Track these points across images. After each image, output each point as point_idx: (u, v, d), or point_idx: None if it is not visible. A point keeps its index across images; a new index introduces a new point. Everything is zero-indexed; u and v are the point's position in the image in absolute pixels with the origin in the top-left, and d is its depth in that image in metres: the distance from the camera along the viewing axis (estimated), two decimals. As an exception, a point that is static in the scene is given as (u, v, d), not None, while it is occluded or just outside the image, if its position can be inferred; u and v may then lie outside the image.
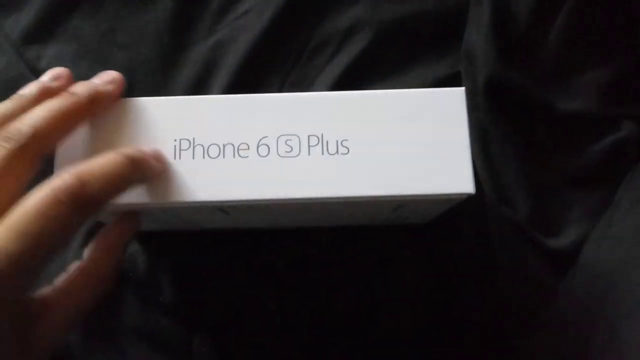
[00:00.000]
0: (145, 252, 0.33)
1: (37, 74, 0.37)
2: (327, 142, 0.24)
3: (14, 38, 0.38)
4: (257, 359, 0.32)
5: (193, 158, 0.24)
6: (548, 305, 0.32)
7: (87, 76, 0.36)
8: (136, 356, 0.31)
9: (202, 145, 0.24)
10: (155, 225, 0.31)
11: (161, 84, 0.36)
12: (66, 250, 0.33)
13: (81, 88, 0.24)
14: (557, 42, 0.34)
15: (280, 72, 0.37)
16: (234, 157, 0.24)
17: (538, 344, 0.32)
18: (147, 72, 0.37)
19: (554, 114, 0.34)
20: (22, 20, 0.38)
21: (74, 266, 0.25)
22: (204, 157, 0.24)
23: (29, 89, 0.24)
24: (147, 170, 0.23)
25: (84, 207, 0.21)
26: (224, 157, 0.24)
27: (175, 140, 0.24)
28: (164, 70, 0.37)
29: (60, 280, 0.24)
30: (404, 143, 0.24)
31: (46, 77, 0.25)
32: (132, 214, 0.26)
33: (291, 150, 0.24)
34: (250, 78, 0.36)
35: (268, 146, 0.24)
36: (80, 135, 0.25)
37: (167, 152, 0.24)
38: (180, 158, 0.24)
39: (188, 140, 0.24)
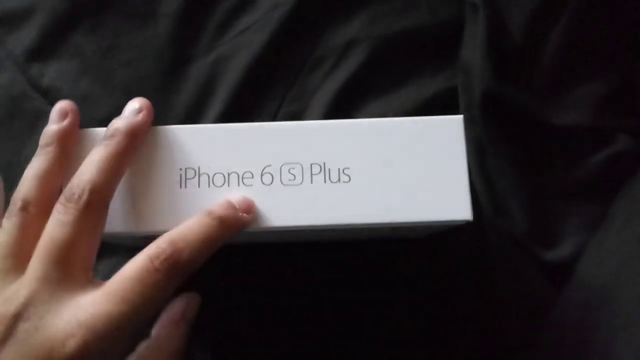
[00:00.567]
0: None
1: (39, 91, 0.37)
2: (329, 170, 0.25)
3: (17, 55, 0.38)
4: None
5: (199, 187, 0.25)
6: (546, 317, 0.32)
7: (89, 93, 0.37)
8: None
9: (207, 174, 0.25)
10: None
11: (162, 100, 0.37)
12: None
13: (120, 128, 0.25)
14: (552, 56, 0.35)
15: (279, 88, 0.37)
16: (238, 185, 0.25)
17: (536, 356, 0.32)
18: (148, 88, 0.37)
19: (549, 128, 0.35)
20: (24, 37, 0.38)
21: (142, 345, 0.26)
22: (209, 186, 0.25)
23: (47, 138, 0.25)
24: (240, 228, 0.24)
25: (178, 273, 0.22)
26: (228, 185, 0.25)
27: (180, 169, 0.25)
28: (165, 86, 0.37)
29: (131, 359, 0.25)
30: (404, 170, 0.25)
31: (54, 116, 0.26)
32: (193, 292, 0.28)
33: (294, 179, 0.25)
34: (250, 94, 0.37)
35: (272, 175, 0.25)
36: None
37: (173, 181, 0.25)
38: (186, 187, 0.25)
39: (194, 169, 0.25)
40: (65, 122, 0.26)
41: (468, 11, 0.37)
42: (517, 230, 0.34)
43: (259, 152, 0.25)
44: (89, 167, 0.24)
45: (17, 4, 0.39)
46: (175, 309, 0.27)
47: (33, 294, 0.22)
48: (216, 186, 0.25)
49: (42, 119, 0.37)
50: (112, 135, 0.24)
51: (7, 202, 0.26)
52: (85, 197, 0.23)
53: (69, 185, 0.23)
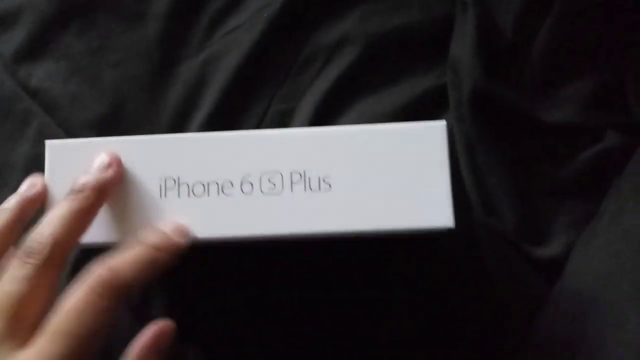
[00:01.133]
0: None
1: (28, 92, 0.38)
2: (309, 178, 0.25)
3: (6, 56, 0.38)
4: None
5: (179, 197, 0.25)
6: (537, 314, 0.32)
7: (78, 94, 0.37)
8: None
9: (187, 184, 0.25)
10: None
11: (151, 101, 0.37)
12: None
13: (87, 183, 0.24)
14: (541, 53, 0.35)
15: (269, 87, 0.37)
16: (218, 195, 0.25)
17: (528, 354, 0.32)
18: (137, 89, 0.37)
19: (538, 125, 0.35)
20: (13, 38, 0.38)
21: None
22: (189, 196, 0.25)
23: (9, 203, 0.25)
24: (174, 251, 0.24)
25: (119, 299, 0.22)
26: (208, 195, 0.25)
27: (160, 179, 0.25)
28: (154, 87, 0.37)
29: None
30: (385, 178, 0.25)
31: (24, 188, 0.26)
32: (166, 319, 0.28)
33: (274, 188, 0.25)
34: (240, 94, 0.37)
35: (251, 184, 0.25)
36: (70, 179, 0.25)
37: (153, 191, 0.25)
38: (166, 197, 0.25)
39: (173, 179, 0.25)
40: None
41: (458, 9, 0.37)
42: (507, 227, 0.34)
43: (239, 161, 0.25)
44: (52, 222, 0.23)
45: (6, 5, 0.39)
46: (145, 339, 0.27)
47: None
48: (196, 196, 0.25)
49: (31, 120, 0.37)
50: (80, 191, 0.24)
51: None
52: (45, 252, 0.22)
53: (29, 238, 0.23)
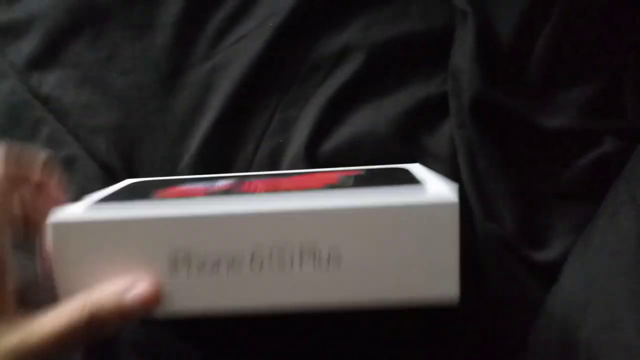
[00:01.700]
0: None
1: (40, 99, 0.38)
2: (319, 255, 0.24)
3: (18, 65, 0.39)
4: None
5: (188, 274, 0.25)
6: (535, 317, 0.33)
7: (88, 102, 0.38)
8: None
9: (197, 261, 0.25)
10: None
11: (159, 109, 0.38)
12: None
13: None
14: (540, 60, 0.35)
15: (274, 95, 0.38)
16: (227, 272, 0.25)
17: (527, 355, 0.32)
18: (146, 97, 0.38)
19: (538, 131, 0.35)
20: (25, 47, 0.39)
21: None
22: (199, 273, 0.25)
23: None
24: (112, 322, 0.24)
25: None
26: (218, 271, 0.25)
27: (170, 256, 0.25)
28: (163, 95, 0.38)
29: None
30: (395, 253, 0.24)
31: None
32: None
33: (284, 265, 0.25)
34: (246, 101, 0.38)
35: (261, 260, 0.25)
36: (80, 257, 0.25)
37: (164, 268, 0.25)
38: (176, 273, 0.25)
39: (184, 256, 0.25)
40: None
41: (458, 18, 0.37)
42: (507, 232, 0.34)
43: (248, 237, 0.24)
44: None
45: (18, 14, 0.40)
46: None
47: None
48: (206, 272, 0.25)
49: (42, 127, 0.38)
50: None
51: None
52: None
53: None
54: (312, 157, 0.36)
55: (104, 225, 0.25)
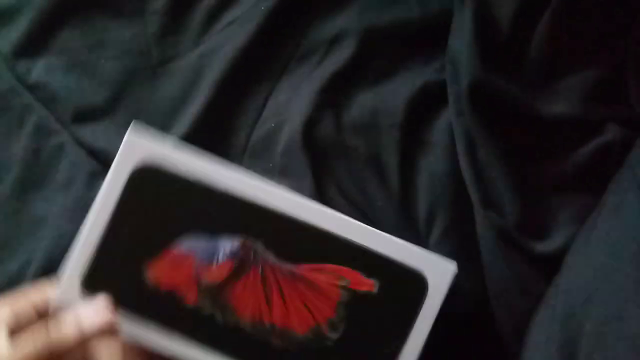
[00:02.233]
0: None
1: (27, 86, 0.38)
2: None
3: (5, 52, 0.38)
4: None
5: None
6: (536, 308, 0.32)
7: (76, 87, 0.37)
8: None
9: None
10: None
11: (149, 95, 0.37)
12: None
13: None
14: (539, 46, 0.35)
15: (267, 80, 0.37)
16: None
17: (528, 348, 0.32)
18: (135, 83, 0.37)
19: (538, 118, 0.35)
20: (12, 34, 0.39)
21: None
22: None
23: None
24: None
25: None
26: None
27: None
28: (152, 81, 0.37)
29: None
30: None
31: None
32: None
33: None
34: (237, 86, 0.37)
35: None
36: None
37: None
38: None
39: None
40: None
41: (456, 3, 0.37)
42: (507, 222, 0.34)
43: None
44: None
45: (5, 1, 0.39)
46: None
47: None
48: None
49: (29, 114, 0.37)
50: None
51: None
52: None
53: None
54: (308, 142, 0.36)
55: None
